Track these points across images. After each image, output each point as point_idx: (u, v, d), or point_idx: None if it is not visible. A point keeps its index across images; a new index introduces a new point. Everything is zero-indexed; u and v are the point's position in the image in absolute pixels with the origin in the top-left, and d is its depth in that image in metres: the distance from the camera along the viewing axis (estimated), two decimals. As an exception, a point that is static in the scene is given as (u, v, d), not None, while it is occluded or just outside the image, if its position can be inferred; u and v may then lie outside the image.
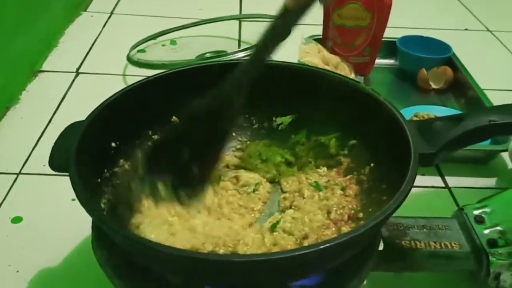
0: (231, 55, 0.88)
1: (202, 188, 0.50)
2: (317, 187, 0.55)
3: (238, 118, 0.54)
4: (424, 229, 0.53)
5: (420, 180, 0.68)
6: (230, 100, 0.48)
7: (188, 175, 0.49)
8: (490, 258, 0.50)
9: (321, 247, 0.36)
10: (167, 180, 0.48)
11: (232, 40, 1.04)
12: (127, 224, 0.47)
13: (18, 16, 0.85)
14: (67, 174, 0.43)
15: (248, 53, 0.85)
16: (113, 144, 0.52)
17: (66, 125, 0.50)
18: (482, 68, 0.93)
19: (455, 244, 0.52)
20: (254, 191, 0.55)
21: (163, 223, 0.46)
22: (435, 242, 0.52)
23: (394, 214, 0.41)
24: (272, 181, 0.58)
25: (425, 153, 0.46)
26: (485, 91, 0.83)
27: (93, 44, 1.00)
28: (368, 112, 0.54)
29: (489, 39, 1.12)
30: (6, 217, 0.61)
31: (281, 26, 0.47)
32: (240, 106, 0.49)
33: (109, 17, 1.11)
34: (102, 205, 0.47)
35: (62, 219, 0.61)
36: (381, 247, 0.49)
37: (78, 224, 0.57)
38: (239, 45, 1.02)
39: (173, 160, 0.48)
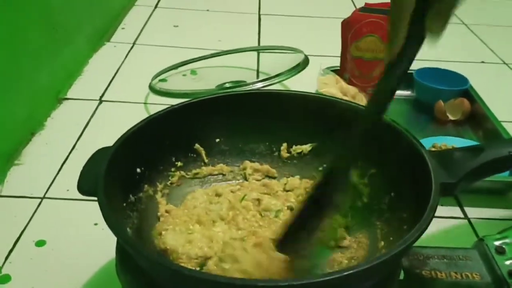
0: (250, 85, 0.89)
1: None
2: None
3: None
4: (445, 259, 0.53)
5: (439, 210, 0.68)
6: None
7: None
8: (512, 289, 0.50)
9: (344, 274, 0.37)
10: None
11: (250, 71, 1.06)
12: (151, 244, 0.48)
13: (44, 46, 0.88)
14: (95, 198, 0.45)
15: (267, 83, 0.87)
16: (138, 170, 0.54)
17: (90, 151, 0.51)
18: (499, 100, 0.94)
19: (476, 274, 0.52)
20: (275, 216, 0.55)
21: (184, 230, 0.48)
22: (455, 273, 0.52)
23: (414, 244, 0.42)
24: (292, 209, 0.59)
25: (446, 183, 0.46)
26: (503, 123, 0.83)
27: (116, 73, 1.03)
28: (388, 141, 0.54)
29: (505, 72, 1.13)
30: (30, 240, 0.62)
31: (389, 81, 0.44)
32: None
33: (132, 47, 1.15)
34: (128, 229, 0.48)
35: (84, 243, 0.62)
36: (401, 277, 0.49)
37: (100, 248, 0.59)
38: (258, 76, 1.04)
39: None
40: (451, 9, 0.40)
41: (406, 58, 0.42)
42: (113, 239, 0.47)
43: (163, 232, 0.51)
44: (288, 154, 0.63)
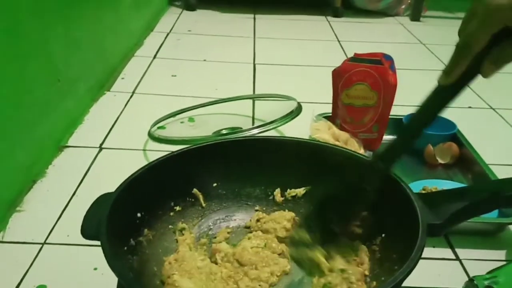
0: (246, 132, 0.92)
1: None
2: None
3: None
4: (436, 299, 0.55)
5: (431, 252, 0.71)
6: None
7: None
8: (502, 328, 0.51)
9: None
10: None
11: (246, 118, 1.09)
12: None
13: (47, 96, 0.92)
14: (95, 243, 0.46)
15: (262, 130, 0.90)
16: (139, 215, 0.56)
17: (90, 197, 0.53)
18: (487, 144, 0.97)
19: (467, 314, 0.53)
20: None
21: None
22: (447, 312, 0.53)
23: (406, 285, 0.44)
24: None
25: (432, 224, 0.48)
26: (490, 166, 0.86)
27: (115, 121, 1.06)
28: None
29: (492, 116, 1.17)
30: (31, 285, 0.63)
31: (435, 102, 0.50)
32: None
33: (131, 96, 1.19)
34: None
35: (84, 287, 0.63)
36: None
37: (100, 292, 0.60)
38: (253, 122, 1.08)
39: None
40: (509, 59, 0.45)
41: (456, 88, 0.48)
42: (113, 283, 0.49)
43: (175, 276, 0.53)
44: (282, 198, 0.66)
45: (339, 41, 1.66)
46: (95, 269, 0.66)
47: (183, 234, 0.60)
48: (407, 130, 0.53)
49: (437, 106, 0.50)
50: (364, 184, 0.54)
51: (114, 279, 0.46)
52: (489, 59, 0.46)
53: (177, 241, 0.59)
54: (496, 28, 0.44)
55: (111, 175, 0.56)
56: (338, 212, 0.56)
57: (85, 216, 0.50)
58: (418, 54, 1.60)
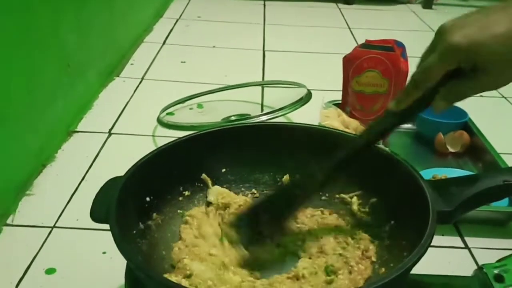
0: (254, 118, 0.92)
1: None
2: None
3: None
4: (445, 287, 0.55)
5: (440, 240, 0.71)
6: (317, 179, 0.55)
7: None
8: (511, 316, 0.51)
9: (345, 297, 0.38)
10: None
11: (255, 104, 1.09)
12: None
13: (57, 82, 0.92)
14: (104, 227, 0.46)
15: (271, 116, 0.90)
16: (148, 199, 0.56)
17: (99, 182, 0.53)
18: (498, 132, 0.96)
19: (476, 302, 0.53)
20: None
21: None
22: (456, 300, 0.53)
23: (416, 272, 0.43)
24: None
25: (442, 211, 0.48)
26: (501, 155, 0.85)
27: (125, 107, 1.07)
28: (387, 171, 0.57)
29: (504, 105, 1.16)
30: (40, 268, 0.64)
31: (382, 125, 0.52)
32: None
33: (140, 82, 1.19)
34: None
35: (93, 271, 0.63)
36: (403, 304, 0.50)
37: (108, 276, 0.61)
38: (262, 109, 1.07)
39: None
40: (459, 97, 0.48)
41: (406, 115, 0.50)
42: (121, 267, 0.49)
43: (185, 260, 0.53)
44: (291, 184, 0.65)
45: (349, 29, 1.64)
46: (104, 253, 0.66)
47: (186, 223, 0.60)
48: (349, 148, 0.53)
49: (383, 129, 0.52)
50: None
51: (123, 263, 0.47)
52: (440, 96, 0.48)
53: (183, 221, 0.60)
54: (452, 66, 0.45)
55: (120, 160, 0.56)
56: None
57: (94, 200, 0.50)
58: (429, 42, 1.58)
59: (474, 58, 0.44)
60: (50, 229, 0.71)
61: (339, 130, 0.78)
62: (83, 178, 0.82)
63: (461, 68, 0.45)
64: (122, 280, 0.50)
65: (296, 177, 0.60)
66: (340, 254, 0.55)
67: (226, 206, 0.61)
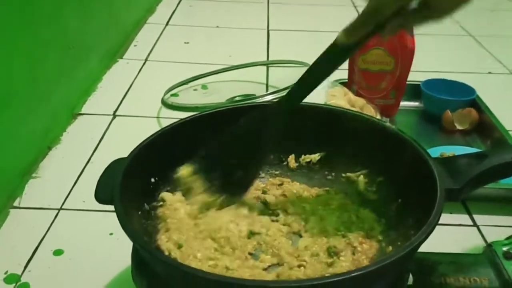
0: (259, 98, 0.92)
1: (243, 191, 0.57)
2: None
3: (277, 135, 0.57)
4: (453, 265, 0.54)
5: (448, 218, 0.70)
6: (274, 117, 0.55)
7: (234, 179, 0.56)
8: (520, 293, 0.50)
9: (351, 275, 0.38)
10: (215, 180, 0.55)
11: (260, 85, 1.08)
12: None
13: (60, 64, 0.91)
14: (111, 208, 0.46)
15: (276, 96, 0.89)
16: (152, 180, 0.56)
17: (104, 164, 0.53)
18: (507, 109, 0.94)
19: (484, 279, 0.53)
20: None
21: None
22: (464, 278, 0.53)
23: (423, 250, 0.43)
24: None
25: (450, 189, 0.47)
26: (510, 132, 0.84)
27: (129, 89, 1.06)
28: (394, 149, 0.56)
29: (513, 82, 1.15)
30: (48, 250, 0.64)
31: (328, 60, 0.52)
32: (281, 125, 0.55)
33: (144, 64, 1.18)
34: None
35: (100, 252, 0.64)
36: (410, 282, 0.50)
37: (116, 256, 0.61)
38: (267, 89, 1.06)
39: (223, 166, 0.56)
40: (404, 28, 0.49)
41: (354, 48, 0.51)
42: (128, 248, 0.49)
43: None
44: (296, 164, 0.65)
45: (355, 6, 1.62)
46: (111, 234, 0.66)
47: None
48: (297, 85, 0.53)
49: (331, 65, 0.52)
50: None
51: (130, 244, 0.46)
52: (391, 26, 0.48)
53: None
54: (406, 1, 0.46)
55: (125, 142, 0.55)
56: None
57: (98, 181, 0.50)
58: (437, 19, 1.55)
59: None
60: (57, 211, 0.71)
61: (346, 109, 0.77)
62: (88, 160, 0.82)
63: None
64: (129, 261, 0.50)
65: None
66: (343, 235, 0.54)
67: None
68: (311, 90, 0.53)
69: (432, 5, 0.46)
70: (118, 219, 0.44)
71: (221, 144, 0.57)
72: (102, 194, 0.49)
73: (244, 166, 0.56)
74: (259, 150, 0.57)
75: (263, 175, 0.64)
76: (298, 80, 0.53)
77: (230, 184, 0.56)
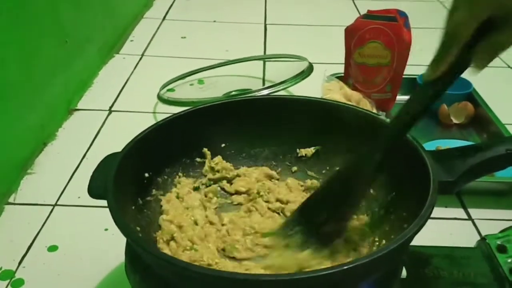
0: (255, 93, 0.91)
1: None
2: None
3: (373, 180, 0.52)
4: (447, 258, 0.54)
5: (443, 211, 0.70)
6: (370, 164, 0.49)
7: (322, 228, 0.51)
8: (513, 286, 0.50)
9: (343, 268, 0.38)
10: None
11: (256, 79, 1.08)
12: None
13: (56, 59, 0.91)
14: (105, 204, 0.46)
15: (273, 90, 0.89)
16: (146, 175, 0.55)
17: (100, 159, 0.53)
18: (503, 103, 0.94)
19: (478, 273, 0.53)
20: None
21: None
22: (458, 271, 0.53)
23: (417, 244, 0.43)
24: None
25: (444, 181, 0.47)
26: (507, 125, 0.84)
27: (125, 84, 1.06)
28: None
29: (509, 75, 1.14)
30: (43, 246, 0.64)
31: (421, 98, 0.47)
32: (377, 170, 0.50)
33: (140, 59, 1.17)
34: (137, 230, 0.50)
35: (95, 248, 0.64)
36: (404, 276, 0.50)
37: (110, 252, 0.61)
38: (263, 83, 1.06)
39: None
40: (499, 50, 0.42)
41: (445, 82, 0.45)
42: (123, 243, 0.49)
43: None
44: (291, 158, 0.65)
45: (353, 1, 1.61)
46: (106, 229, 0.66)
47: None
48: (392, 128, 0.50)
49: (425, 103, 0.47)
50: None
51: (124, 240, 0.46)
52: (479, 51, 0.42)
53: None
54: (485, 14, 0.41)
55: (121, 138, 0.55)
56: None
57: (92, 175, 0.50)
58: (434, 12, 1.54)
59: (506, 4, 0.40)
60: (52, 207, 0.71)
61: (341, 102, 0.76)
62: (84, 156, 0.82)
63: (492, 19, 0.41)
64: (124, 255, 0.50)
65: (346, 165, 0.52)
66: None
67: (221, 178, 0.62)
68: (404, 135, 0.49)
69: None
70: (111, 213, 0.44)
71: None
72: (95, 188, 0.48)
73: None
74: None
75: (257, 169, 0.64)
76: (391, 124, 0.49)
77: None
